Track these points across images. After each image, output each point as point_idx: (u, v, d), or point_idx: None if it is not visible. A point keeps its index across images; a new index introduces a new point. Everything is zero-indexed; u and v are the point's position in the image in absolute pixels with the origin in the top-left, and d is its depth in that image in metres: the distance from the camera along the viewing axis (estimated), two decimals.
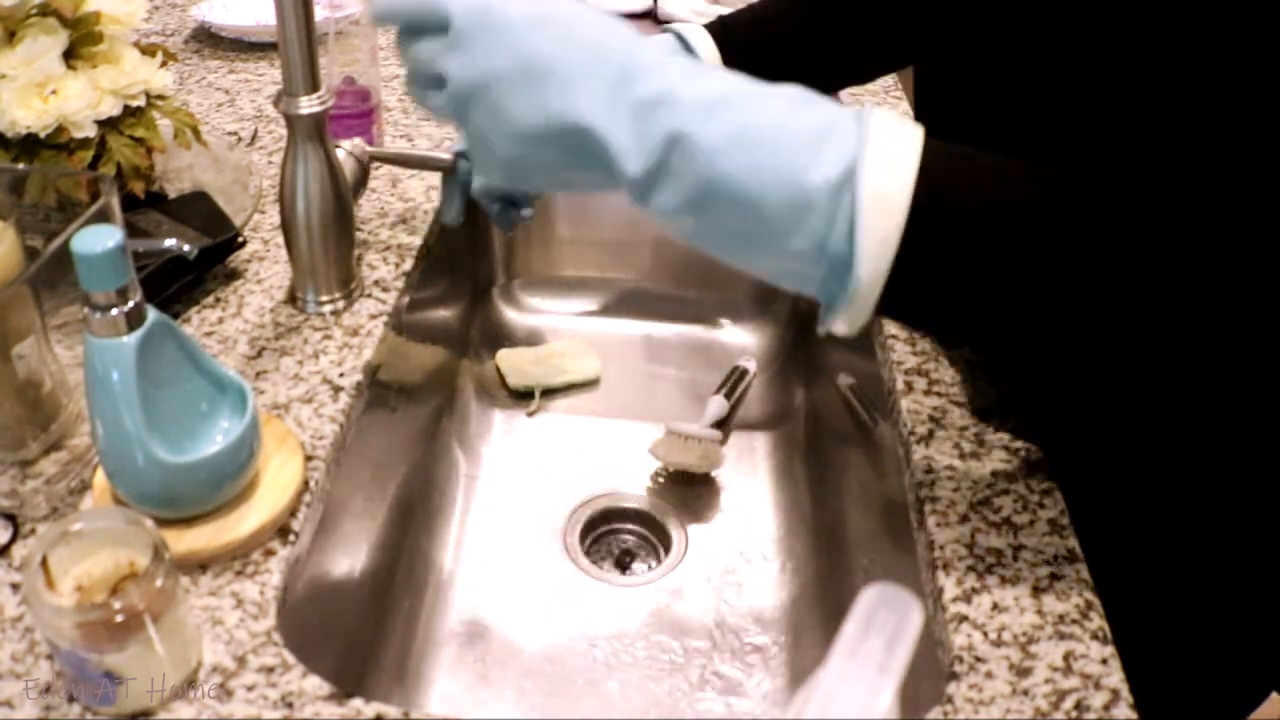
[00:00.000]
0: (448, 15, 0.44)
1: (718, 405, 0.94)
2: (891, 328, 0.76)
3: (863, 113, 0.42)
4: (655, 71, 0.42)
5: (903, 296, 0.43)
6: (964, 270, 0.43)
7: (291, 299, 0.75)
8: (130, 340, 0.49)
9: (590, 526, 0.87)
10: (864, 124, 0.42)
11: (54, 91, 0.70)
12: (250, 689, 0.50)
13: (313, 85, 0.65)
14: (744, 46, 0.73)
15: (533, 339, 1.07)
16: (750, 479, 0.92)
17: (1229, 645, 0.75)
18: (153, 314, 0.51)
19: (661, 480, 0.90)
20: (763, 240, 0.42)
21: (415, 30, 0.46)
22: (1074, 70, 0.52)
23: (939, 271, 0.43)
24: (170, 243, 0.72)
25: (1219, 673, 0.77)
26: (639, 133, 0.41)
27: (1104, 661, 0.53)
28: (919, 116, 0.71)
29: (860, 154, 0.41)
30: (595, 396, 0.99)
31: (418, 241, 0.83)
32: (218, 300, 0.75)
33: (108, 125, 0.73)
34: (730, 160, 0.41)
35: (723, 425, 0.93)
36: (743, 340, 1.07)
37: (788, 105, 0.42)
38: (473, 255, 1.05)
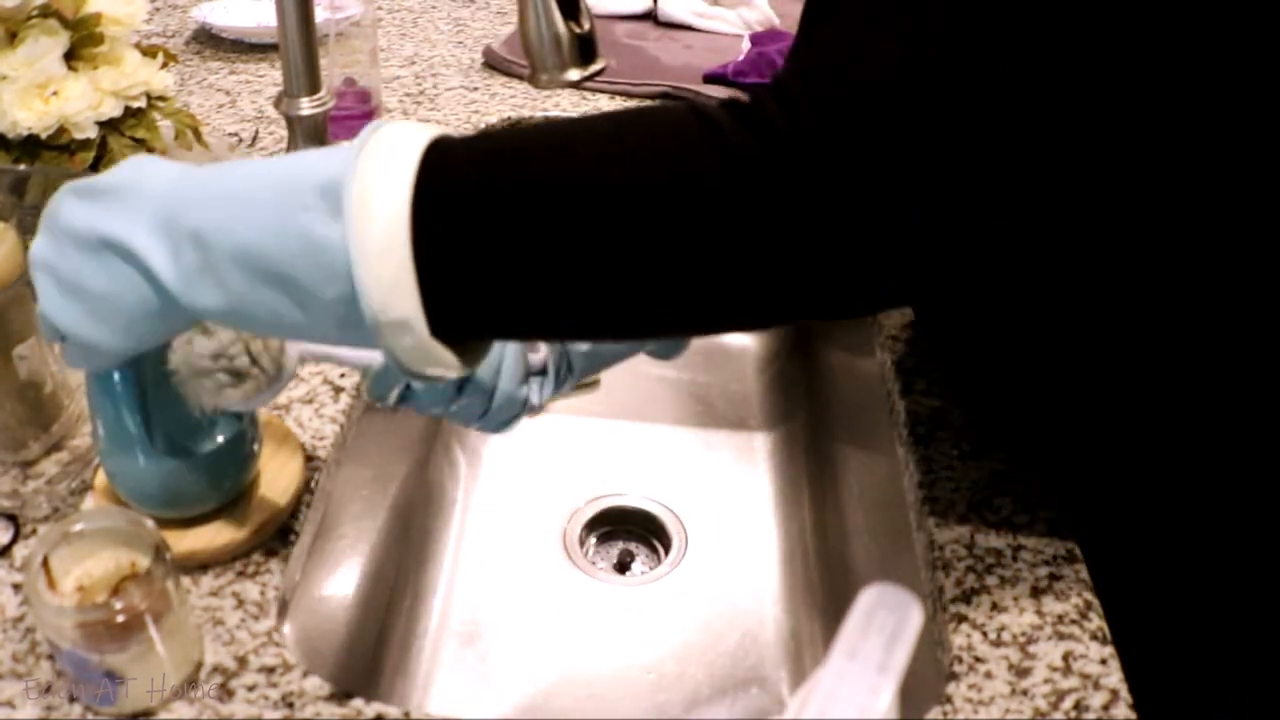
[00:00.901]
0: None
1: None
2: (891, 328, 0.77)
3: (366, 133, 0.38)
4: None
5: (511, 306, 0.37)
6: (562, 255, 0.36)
7: None
8: None
9: (590, 527, 0.87)
10: (362, 139, 0.37)
11: (55, 93, 0.70)
12: (251, 689, 0.50)
13: (313, 86, 0.65)
14: None
15: None
16: (750, 479, 0.92)
17: (1228, 645, 0.75)
18: None
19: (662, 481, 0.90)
20: (305, 305, 0.37)
21: None
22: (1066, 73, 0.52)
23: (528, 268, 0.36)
24: None
25: (1218, 673, 0.77)
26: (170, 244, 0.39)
27: (1103, 662, 0.53)
28: None
29: (349, 166, 0.36)
30: (595, 397, 0.99)
31: None
32: None
33: (109, 126, 0.73)
34: (225, 227, 0.38)
35: None
36: (742, 341, 1.07)
37: (281, 161, 0.39)
38: None
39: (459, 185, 0.36)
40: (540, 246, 0.36)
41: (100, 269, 0.41)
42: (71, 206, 0.42)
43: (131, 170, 0.42)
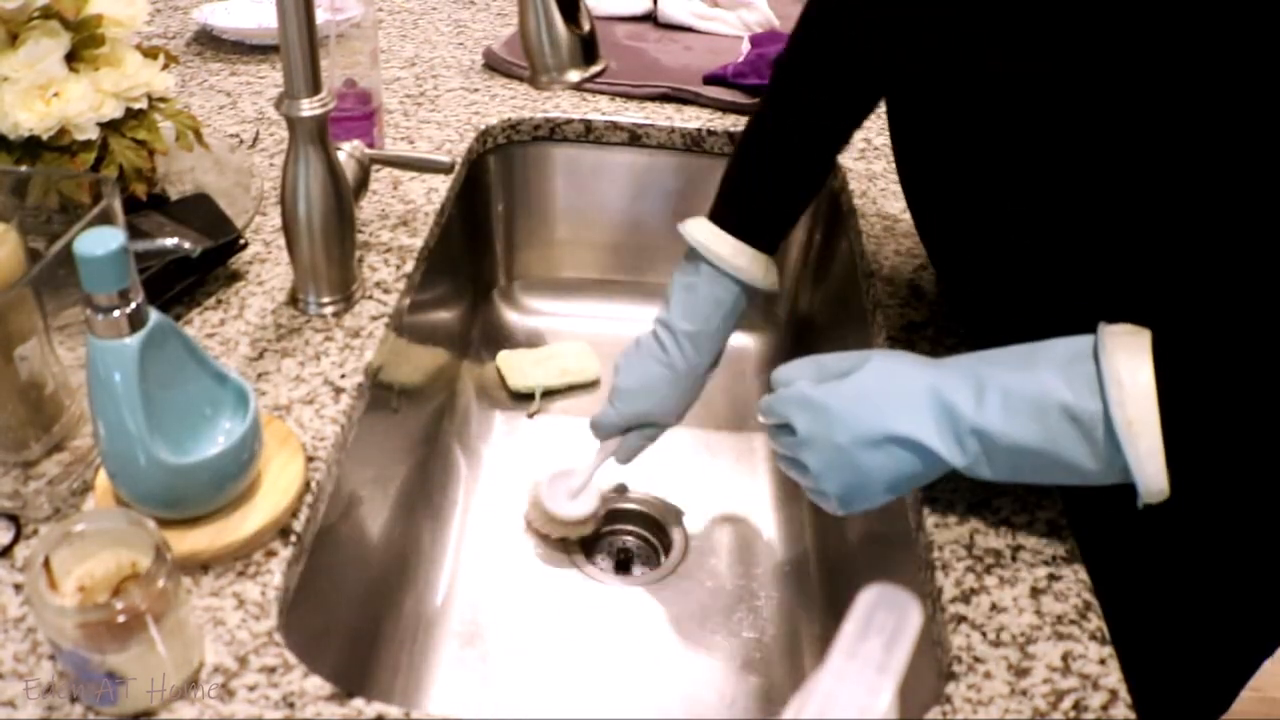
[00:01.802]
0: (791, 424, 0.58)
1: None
2: (891, 329, 0.77)
3: (1097, 346, 0.49)
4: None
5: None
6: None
7: (293, 300, 0.75)
8: (132, 342, 0.50)
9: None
10: (1101, 358, 0.49)
11: (56, 94, 0.70)
12: (252, 689, 0.50)
13: (314, 88, 0.65)
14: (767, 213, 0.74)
15: (533, 340, 1.07)
16: (750, 479, 0.92)
17: (1227, 645, 0.75)
18: (155, 316, 0.51)
19: (663, 481, 0.90)
20: (1063, 472, 0.51)
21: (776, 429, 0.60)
22: (1058, 76, 0.52)
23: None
24: (172, 241, 0.72)
25: (1217, 673, 0.77)
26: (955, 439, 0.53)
27: (1102, 662, 0.53)
28: (897, 139, 0.71)
29: (1107, 388, 0.48)
30: (595, 398, 1.00)
31: (418, 243, 0.83)
32: (219, 302, 0.75)
33: (110, 127, 0.73)
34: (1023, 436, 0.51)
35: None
36: (742, 342, 1.07)
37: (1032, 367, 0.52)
38: (473, 257, 1.05)
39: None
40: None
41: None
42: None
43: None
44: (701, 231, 0.73)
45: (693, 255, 0.74)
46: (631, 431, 0.78)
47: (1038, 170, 0.55)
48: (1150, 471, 0.48)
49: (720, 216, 0.73)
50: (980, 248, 0.63)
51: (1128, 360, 0.48)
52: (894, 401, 0.53)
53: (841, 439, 0.55)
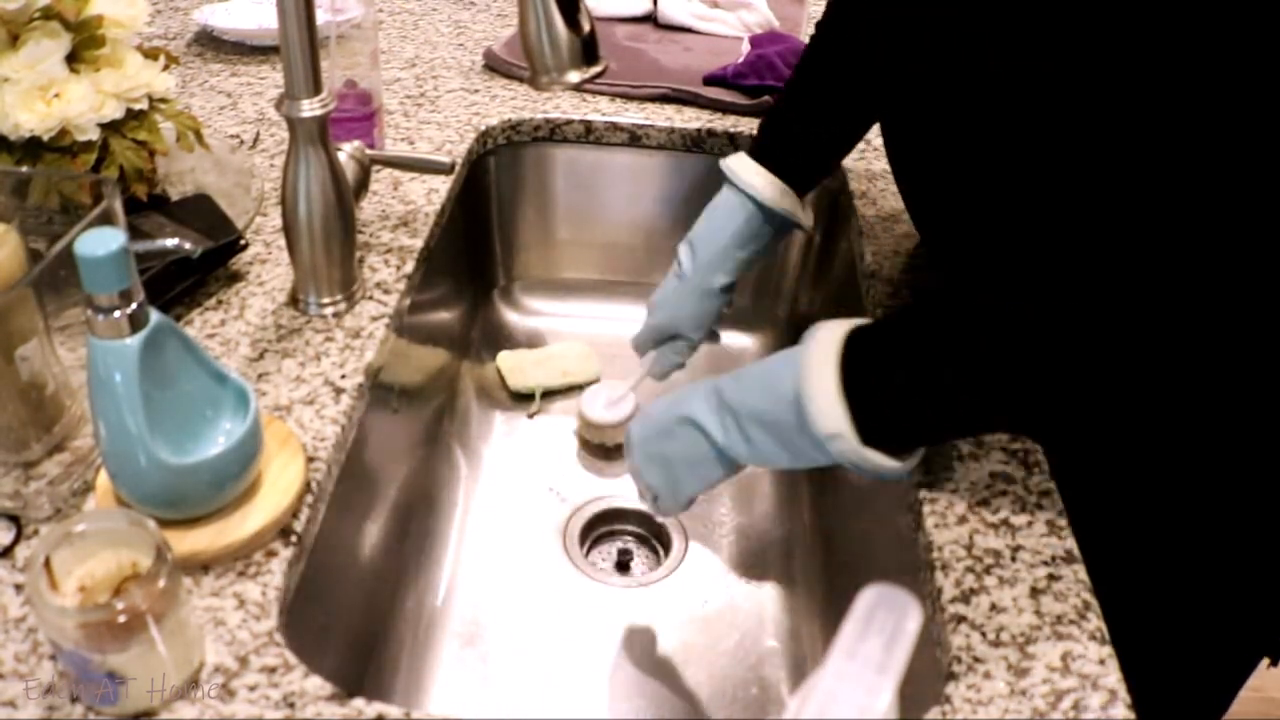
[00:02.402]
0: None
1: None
2: None
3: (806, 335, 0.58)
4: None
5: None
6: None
7: (293, 301, 0.75)
8: (133, 342, 0.50)
9: (590, 528, 0.87)
10: (804, 341, 0.57)
11: (57, 95, 0.70)
12: (252, 689, 0.50)
13: (314, 88, 0.65)
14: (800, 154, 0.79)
15: (533, 341, 1.07)
16: (750, 480, 0.92)
17: (1226, 645, 0.75)
18: (155, 316, 0.51)
19: None
20: (786, 440, 0.57)
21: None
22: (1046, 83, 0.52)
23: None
24: (173, 241, 0.72)
25: (1216, 673, 0.77)
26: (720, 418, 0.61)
27: (1101, 662, 0.53)
28: (890, 140, 0.72)
29: (802, 363, 0.56)
30: None
31: (419, 244, 0.83)
32: (220, 302, 0.75)
33: (110, 128, 0.73)
34: (749, 399, 0.59)
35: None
36: (742, 342, 1.07)
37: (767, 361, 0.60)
38: (473, 258, 1.05)
39: (880, 376, 0.54)
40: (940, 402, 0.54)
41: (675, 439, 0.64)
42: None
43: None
44: (732, 158, 0.79)
45: (724, 182, 0.80)
46: (664, 345, 0.84)
47: (1031, 163, 0.55)
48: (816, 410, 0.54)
49: (752, 146, 0.79)
50: (971, 230, 0.64)
51: (823, 333, 0.57)
52: (686, 395, 0.64)
53: (649, 430, 0.66)
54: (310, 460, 0.62)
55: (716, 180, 0.79)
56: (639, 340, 0.85)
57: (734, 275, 0.80)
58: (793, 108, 0.79)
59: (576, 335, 1.06)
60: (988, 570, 0.58)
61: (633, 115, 1.04)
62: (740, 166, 0.78)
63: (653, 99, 1.07)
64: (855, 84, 0.75)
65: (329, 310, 0.74)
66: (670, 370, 0.86)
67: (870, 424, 0.54)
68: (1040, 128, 0.54)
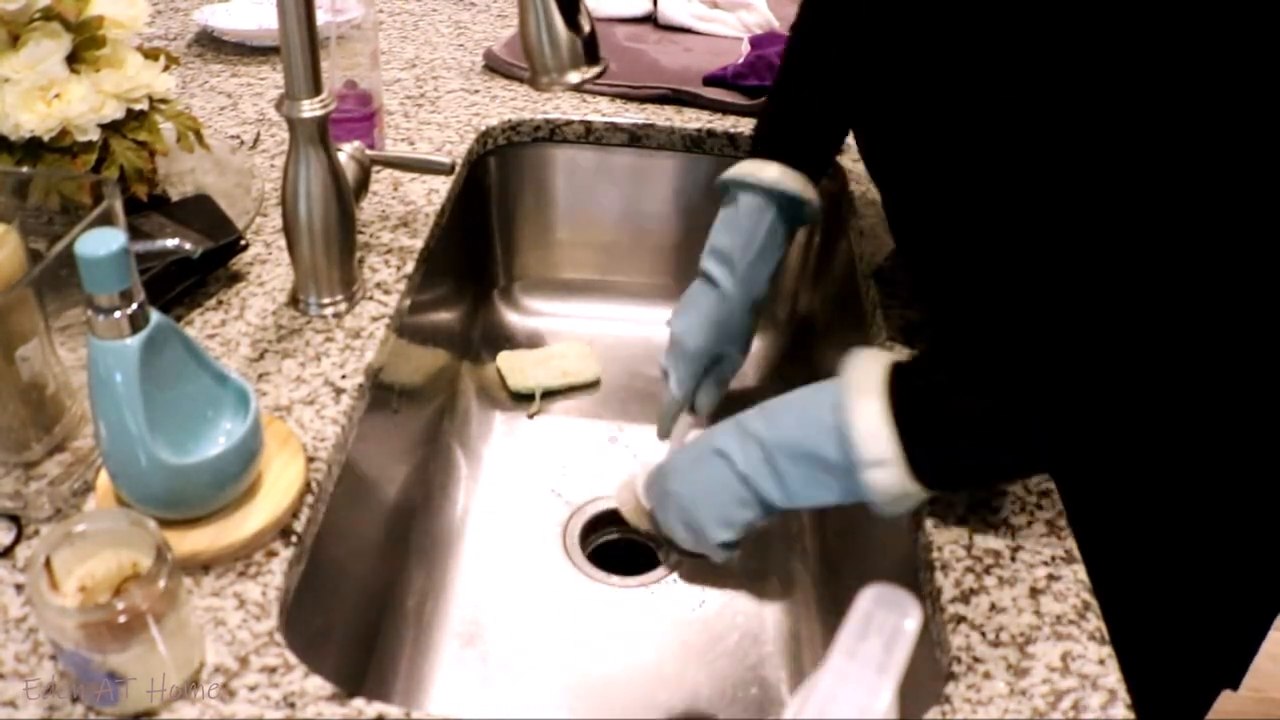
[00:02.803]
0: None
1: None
2: (891, 329, 0.77)
3: (842, 368, 0.58)
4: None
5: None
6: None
7: (293, 301, 0.75)
8: (133, 342, 0.50)
9: (590, 528, 0.87)
10: (843, 372, 0.57)
11: (57, 95, 0.71)
12: (253, 689, 0.50)
13: (315, 89, 0.66)
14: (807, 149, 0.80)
15: (533, 341, 1.07)
16: None
17: (1226, 645, 0.75)
18: (155, 316, 0.51)
19: None
20: (814, 472, 0.58)
21: None
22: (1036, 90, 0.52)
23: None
24: (173, 242, 0.72)
25: (1216, 673, 0.77)
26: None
27: (1101, 662, 0.53)
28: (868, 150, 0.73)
29: (844, 391, 0.56)
30: (596, 398, 1.00)
31: (419, 244, 0.83)
32: (220, 303, 0.75)
33: (111, 129, 0.74)
34: (780, 429, 0.59)
35: None
36: None
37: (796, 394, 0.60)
38: (473, 258, 1.05)
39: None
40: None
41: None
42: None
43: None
44: (739, 167, 0.78)
45: (726, 194, 0.79)
46: (707, 376, 0.81)
47: (1009, 173, 0.55)
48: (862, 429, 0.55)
49: (753, 148, 0.79)
50: (951, 245, 0.64)
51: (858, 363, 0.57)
52: (709, 432, 0.64)
53: (671, 466, 0.66)
54: (310, 460, 0.62)
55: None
56: (679, 376, 0.79)
57: (770, 282, 0.79)
58: (783, 105, 0.79)
59: (576, 335, 1.06)
60: (987, 570, 0.58)
61: (633, 116, 1.04)
62: (755, 169, 0.76)
63: (653, 99, 1.07)
64: (835, 83, 0.76)
65: (329, 310, 0.74)
66: (717, 401, 0.82)
67: (919, 453, 0.53)
68: (1019, 135, 0.53)
